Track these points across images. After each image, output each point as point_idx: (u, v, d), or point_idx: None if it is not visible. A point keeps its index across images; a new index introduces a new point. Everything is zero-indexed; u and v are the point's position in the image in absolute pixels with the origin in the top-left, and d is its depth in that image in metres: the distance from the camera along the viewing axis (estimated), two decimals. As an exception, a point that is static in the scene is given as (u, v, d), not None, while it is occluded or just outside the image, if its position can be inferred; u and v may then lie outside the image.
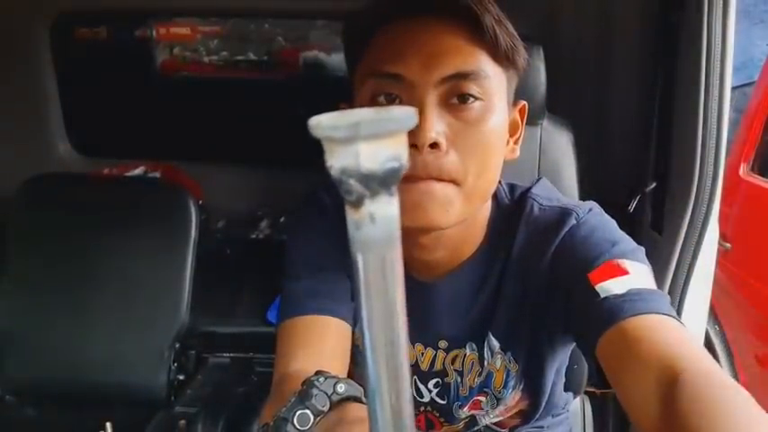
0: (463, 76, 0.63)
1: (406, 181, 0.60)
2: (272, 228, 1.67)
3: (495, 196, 0.77)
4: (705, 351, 0.57)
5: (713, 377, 0.51)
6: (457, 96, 0.64)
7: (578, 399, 1.19)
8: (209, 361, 1.48)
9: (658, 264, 1.03)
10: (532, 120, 1.13)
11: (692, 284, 1.04)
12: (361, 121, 0.20)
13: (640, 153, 1.22)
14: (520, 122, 0.74)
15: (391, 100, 0.65)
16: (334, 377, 0.55)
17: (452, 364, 0.81)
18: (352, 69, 0.71)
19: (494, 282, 0.76)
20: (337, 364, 0.73)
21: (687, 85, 0.99)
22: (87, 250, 1.37)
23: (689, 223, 1.00)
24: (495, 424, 0.86)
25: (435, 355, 0.81)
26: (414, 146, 0.61)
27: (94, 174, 1.65)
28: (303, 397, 0.53)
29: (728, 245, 2.05)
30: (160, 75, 1.84)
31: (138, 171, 1.66)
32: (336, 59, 1.74)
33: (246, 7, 1.63)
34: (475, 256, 0.76)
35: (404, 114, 0.20)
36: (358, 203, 0.21)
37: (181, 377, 1.37)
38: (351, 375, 0.79)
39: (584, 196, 1.15)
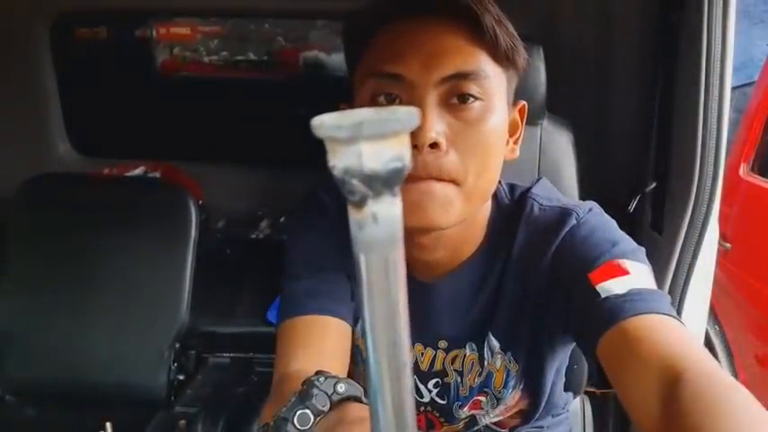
0: (463, 76, 0.63)
1: (405, 181, 0.57)
2: (272, 228, 1.66)
3: (495, 196, 0.77)
4: (706, 351, 0.57)
5: (714, 377, 0.51)
6: (457, 96, 0.64)
7: (578, 399, 1.18)
8: (209, 361, 1.48)
9: (658, 264, 1.03)
10: (532, 120, 1.13)
11: (692, 284, 1.04)
12: (363, 121, 0.20)
13: (640, 153, 1.22)
14: (520, 122, 0.74)
15: (391, 100, 0.65)
16: (334, 377, 0.55)
17: (452, 364, 0.81)
18: (352, 69, 0.71)
19: (494, 282, 0.76)
20: (337, 364, 0.73)
21: (687, 85, 0.99)
22: (87, 250, 1.37)
23: (689, 223, 1.00)
24: (495, 424, 0.86)
25: (435, 355, 0.81)
26: (414, 146, 0.61)
27: (94, 174, 1.65)
28: (303, 397, 0.53)
29: (728, 245, 2.05)
30: (160, 75, 1.84)
31: (138, 171, 1.66)
32: (336, 59, 1.74)
33: (246, 7, 1.63)
34: (475, 256, 0.76)
35: (407, 114, 0.20)
36: (361, 204, 0.21)
37: (181, 377, 1.37)
38: (351, 375, 0.79)
39: (584, 196, 1.14)
